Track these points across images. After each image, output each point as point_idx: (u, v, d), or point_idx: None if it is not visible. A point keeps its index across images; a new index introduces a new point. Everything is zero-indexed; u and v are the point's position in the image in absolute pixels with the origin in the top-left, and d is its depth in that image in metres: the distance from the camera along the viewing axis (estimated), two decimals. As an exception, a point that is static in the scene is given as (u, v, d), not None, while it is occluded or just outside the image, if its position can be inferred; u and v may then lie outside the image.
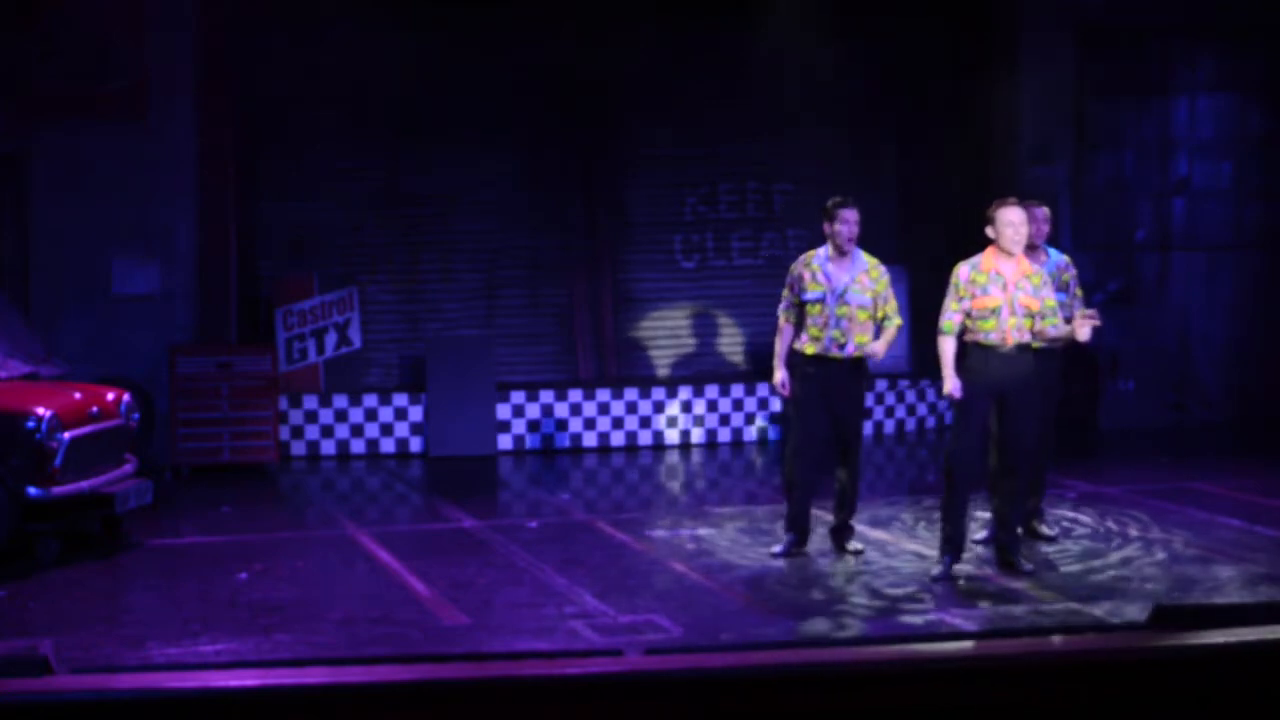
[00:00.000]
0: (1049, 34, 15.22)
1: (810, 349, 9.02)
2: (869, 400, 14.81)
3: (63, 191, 13.02)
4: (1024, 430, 8.51)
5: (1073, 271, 9.47)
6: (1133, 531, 9.99)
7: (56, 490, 9.09)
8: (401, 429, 13.74)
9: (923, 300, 15.14)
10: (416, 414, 13.78)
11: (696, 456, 13.84)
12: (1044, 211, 9.45)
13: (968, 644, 4.11)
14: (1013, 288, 8.39)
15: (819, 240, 15.52)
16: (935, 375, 14.98)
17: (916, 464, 13.84)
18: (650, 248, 15.09)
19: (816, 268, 9.11)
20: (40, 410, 9.11)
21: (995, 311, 8.36)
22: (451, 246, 14.65)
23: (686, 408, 14.10)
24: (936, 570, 8.58)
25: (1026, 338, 8.43)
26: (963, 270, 8.49)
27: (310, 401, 13.62)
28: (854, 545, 9.25)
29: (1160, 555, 9.30)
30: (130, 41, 13.11)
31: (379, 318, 14.46)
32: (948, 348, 8.51)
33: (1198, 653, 2.70)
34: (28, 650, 2.65)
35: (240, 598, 8.38)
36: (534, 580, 8.62)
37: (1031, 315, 8.40)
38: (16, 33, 12.87)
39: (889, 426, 14.81)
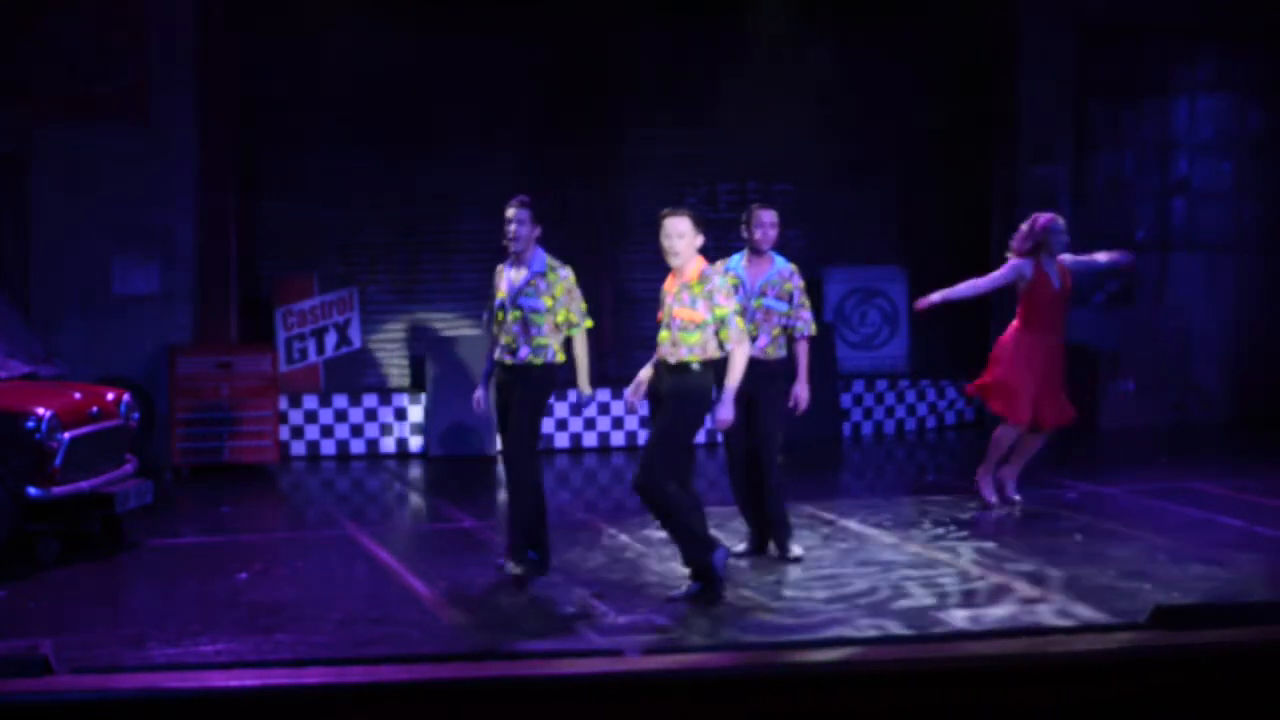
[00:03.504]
0: (1049, 34, 15.23)
1: (497, 355, 8.75)
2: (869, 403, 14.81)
3: (63, 191, 13.02)
4: (652, 451, 7.88)
5: (797, 281, 9.08)
6: (1132, 532, 9.99)
7: (56, 490, 9.09)
8: (401, 429, 13.74)
9: (923, 300, 15.17)
10: (416, 414, 13.78)
11: (697, 456, 13.83)
12: (770, 216, 9.11)
13: (967, 644, 4.11)
14: (671, 299, 7.94)
15: (819, 240, 15.69)
16: (936, 375, 15.12)
17: (916, 464, 13.84)
18: (650, 248, 14.99)
19: (501, 272, 8.87)
20: (40, 410, 9.11)
21: (660, 324, 8.02)
22: (451, 246, 14.65)
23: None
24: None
25: (685, 354, 7.84)
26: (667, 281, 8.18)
27: (310, 401, 13.62)
28: (511, 568, 8.57)
29: (1160, 556, 9.30)
30: (130, 41, 13.11)
31: (379, 318, 14.46)
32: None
33: (1198, 653, 2.70)
34: (28, 650, 2.65)
35: (240, 598, 8.38)
36: (533, 580, 8.61)
37: (700, 326, 7.81)
38: (16, 33, 12.87)
39: (889, 426, 14.81)
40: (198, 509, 11.29)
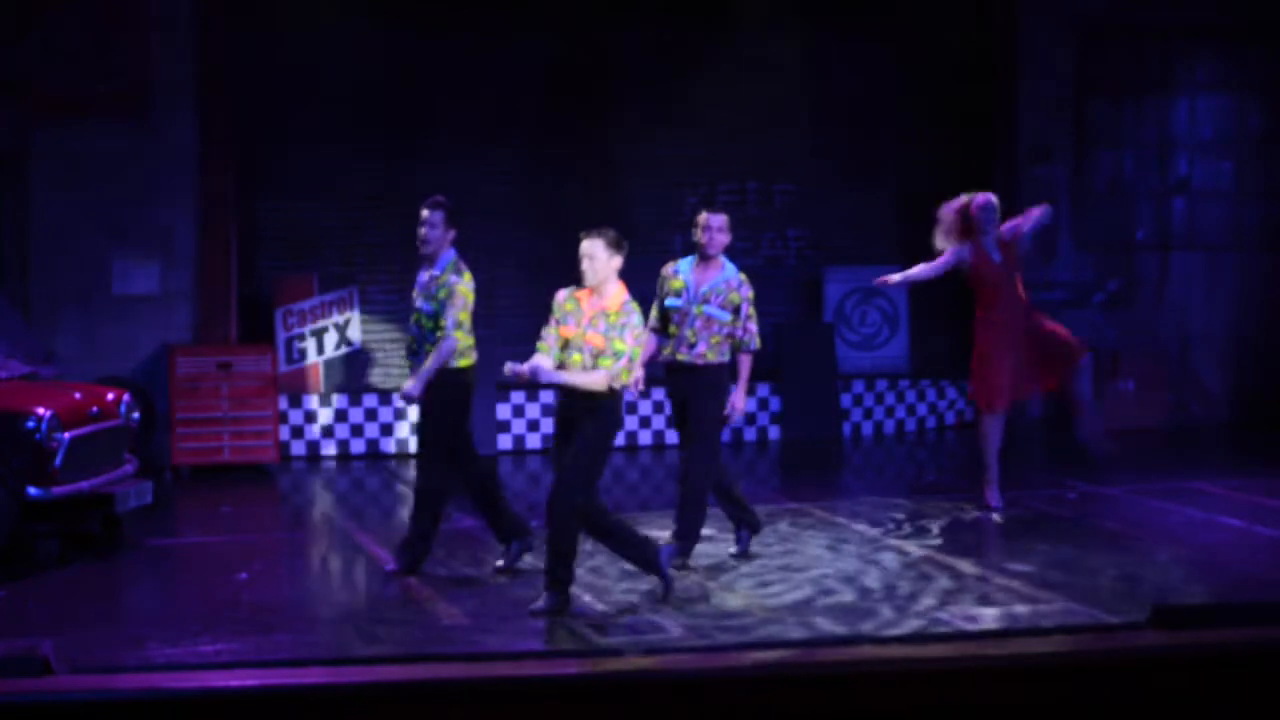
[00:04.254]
0: (1049, 33, 15.23)
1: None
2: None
3: (63, 191, 13.02)
4: (562, 478, 7.82)
5: (746, 292, 8.81)
6: (1132, 532, 9.99)
7: (56, 490, 9.09)
8: (401, 429, 13.73)
9: (921, 301, 15.16)
10: (416, 414, 13.76)
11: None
12: (718, 220, 8.92)
13: (968, 644, 4.12)
14: (586, 323, 7.78)
15: (819, 240, 15.69)
16: (936, 375, 15.12)
17: (916, 464, 13.84)
18: (650, 248, 15.06)
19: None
20: (40, 410, 9.11)
21: (568, 345, 7.80)
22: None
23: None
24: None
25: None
26: (561, 293, 7.99)
27: (310, 401, 13.62)
28: (387, 567, 8.74)
29: (1160, 555, 9.30)
30: (130, 41, 13.11)
31: (379, 318, 14.45)
32: (541, 369, 7.80)
33: (1198, 653, 2.70)
34: (28, 650, 2.65)
35: (240, 598, 8.38)
36: (534, 580, 8.60)
37: (600, 355, 7.72)
38: (16, 33, 12.87)
39: (889, 426, 14.81)
40: (198, 509, 11.29)
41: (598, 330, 7.75)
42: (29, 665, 2.60)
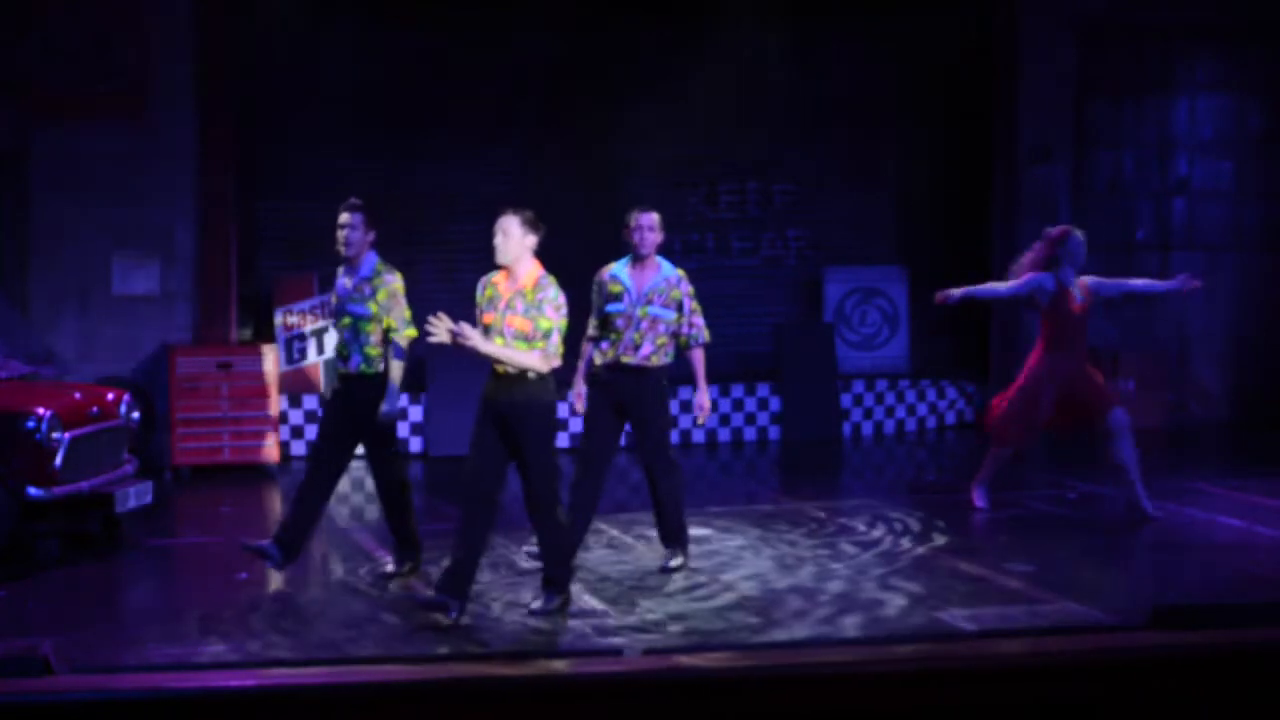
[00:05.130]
0: (1049, 33, 15.24)
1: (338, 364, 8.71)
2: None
3: (63, 191, 13.02)
4: (534, 471, 7.74)
5: (685, 288, 8.65)
6: (1132, 532, 9.99)
7: (56, 490, 9.09)
8: (402, 429, 13.72)
9: (922, 301, 15.18)
10: (417, 414, 13.77)
11: (697, 457, 13.84)
12: (649, 219, 8.71)
13: (968, 644, 4.11)
14: (504, 306, 7.65)
15: (819, 240, 15.70)
16: (936, 375, 15.12)
17: (916, 464, 13.84)
18: (650, 248, 15.10)
19: (338, 278, 8.72)
20: (40, 410, 9.11)
21: (488, 330, 7.65)
22: (451, 246, 14.64)
23: (686, 408, 14.08)
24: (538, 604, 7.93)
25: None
26: (480, 282, 7.86)
27: (310, 401, 13.62)
28: (387, 569, 8.77)
29: (1160, 555, 9.30)
30: (130, 41, 13.11)
31: (379, 317, 14.44)
32: (475, 335, 7.58)
33: (1198, 653, 2.70)
34: (28, 650, 2.65)
35: (240, 598, 8.38)
36: (534, 580, 8.61)
37: (525, 338, 7.59)
38: (16, 33, 12.88)
39: (889, 426, 14.81)
40: (198, 509, 11.28)
41: (516, 312, 7.63)
42: (29, 665, 2.60)
